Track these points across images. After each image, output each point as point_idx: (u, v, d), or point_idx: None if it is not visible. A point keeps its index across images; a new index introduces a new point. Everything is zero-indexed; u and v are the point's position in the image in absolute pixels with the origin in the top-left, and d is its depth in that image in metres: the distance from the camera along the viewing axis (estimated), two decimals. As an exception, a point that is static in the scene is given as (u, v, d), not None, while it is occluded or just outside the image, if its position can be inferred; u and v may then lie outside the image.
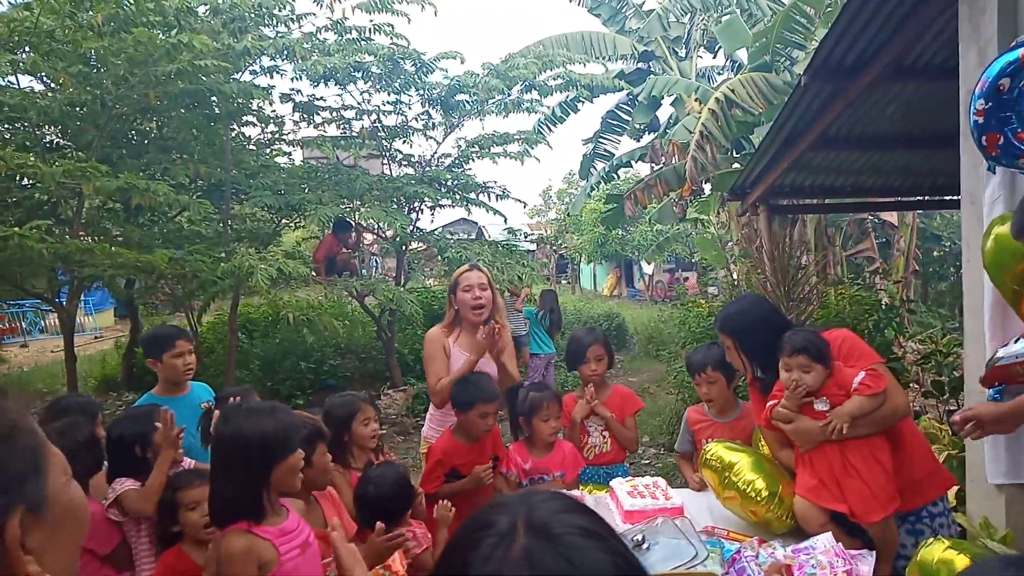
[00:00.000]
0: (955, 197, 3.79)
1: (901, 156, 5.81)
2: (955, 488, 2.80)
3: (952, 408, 4.62)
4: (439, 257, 9.62)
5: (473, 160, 9.75)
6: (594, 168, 12.35)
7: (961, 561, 1.75)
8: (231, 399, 2.96)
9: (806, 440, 2.44)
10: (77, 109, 7.05)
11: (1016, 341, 2.30)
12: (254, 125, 8.84)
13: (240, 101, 7.39)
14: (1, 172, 6.01)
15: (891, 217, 9.60)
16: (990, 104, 2.24)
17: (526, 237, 12.37)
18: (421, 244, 9.99)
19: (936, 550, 1.84)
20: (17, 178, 7.22)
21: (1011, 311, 2.39)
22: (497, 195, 9.42)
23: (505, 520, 0.76)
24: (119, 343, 11.94)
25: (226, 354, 8.31)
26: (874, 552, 2.17)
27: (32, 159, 5.91)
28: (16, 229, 5.59)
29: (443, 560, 0.79)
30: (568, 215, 24.73)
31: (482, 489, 3.12)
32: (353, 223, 9.26)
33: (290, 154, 9.50)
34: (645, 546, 2.47)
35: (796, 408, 2.44)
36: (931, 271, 8.99)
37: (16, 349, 15.51)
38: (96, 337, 16.43)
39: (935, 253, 9.83)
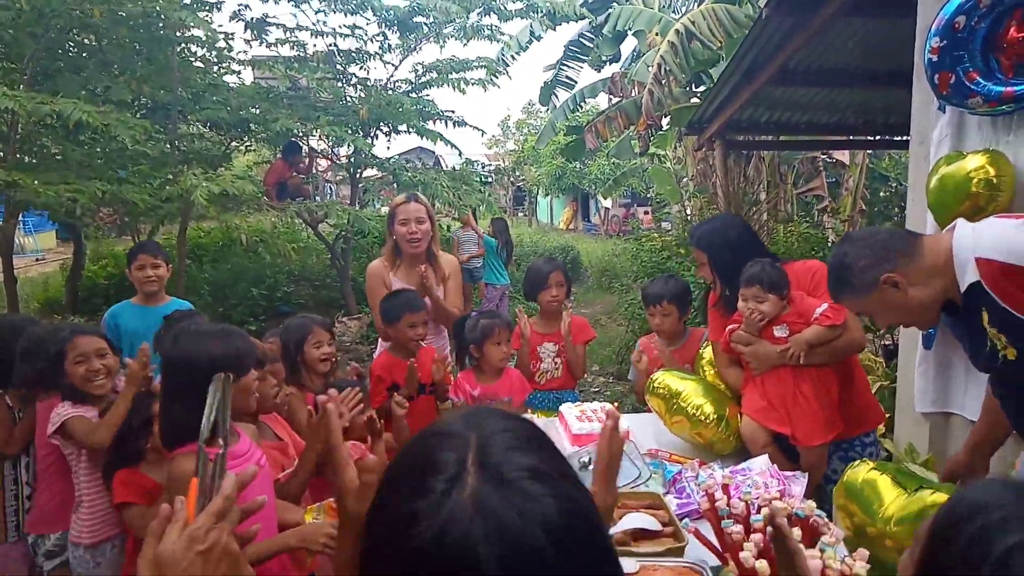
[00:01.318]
0: (905, 137, 3.85)
1: (857, 93, 5.85)
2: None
3: (887, 344, 4.83)
4: (395, 184, 9.46)
5: (431, 87, 9.52)
6: (555, 96, 12.14)
7: (883, 481, 1.86)
8: (177, 322, 2.94)
9: (762, 363, 2.54)
10: (12, 18, 6.58)
11: None
12: (201, 44, 8.41)
13: (185, 20, 6.97)
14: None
15: (843, 156, 9.75)
16: (944, 42, 2.26)
17: (483, 168, 12.17)
18: (376, 171, 9.79)
19: (861, 471, 1.96)
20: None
21: None
22: (455, 123, 9.24)
23: (453, 458, 0.73)
24: (64, 265, 11.55)
25: (176, 278, 8.12)
26: (807, 474, 2.30)
27: None
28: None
29: (387, 501, 0.76)
30: (525, 147, 24.48)
31: (428, 411, 3.20)
32: (304, 146, 9.00)
33: (239, 73, 9.07)
34: (591, 467, 2.56)
35: (755, 333, 2.54)
36: (876, 211, 9.22)
37: (-49, 271, 14.89)
38: (38, 259, 15.84)
39: (881, 193, 10.05)
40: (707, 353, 3.06)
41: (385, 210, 11.96)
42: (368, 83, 9.44)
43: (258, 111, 8.13)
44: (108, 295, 8.85)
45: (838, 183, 10.48)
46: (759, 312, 2.50)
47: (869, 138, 7.41)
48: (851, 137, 7.54)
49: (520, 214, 30.78)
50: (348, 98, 9.22)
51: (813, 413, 2.46)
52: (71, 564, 2.61)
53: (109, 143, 8.32)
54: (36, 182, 5.87)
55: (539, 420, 2.99)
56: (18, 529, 2.80)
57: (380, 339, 3.57)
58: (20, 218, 8.16)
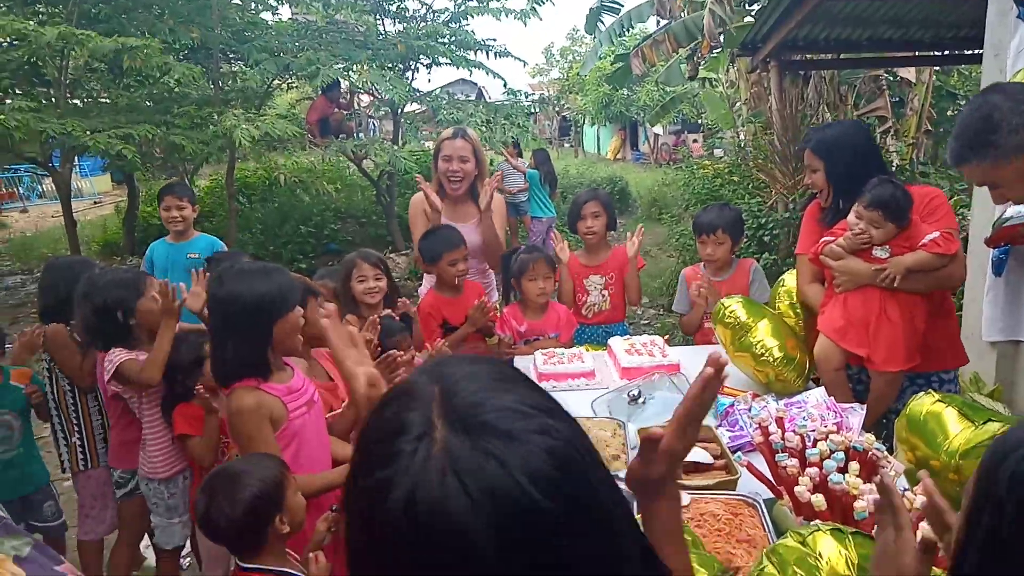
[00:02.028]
0: (978, 51, 3.57)
1: (924, 6, 5.45)
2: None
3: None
4: (435, 119, 9.34)
5: (472, 16, 9.24)
6: (601, 23, 11.67)
7: (949, 413, 1.79)
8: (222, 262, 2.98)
9: (851, 280, 2.41)
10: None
11: None
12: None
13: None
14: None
15: (908, 74, 9.16)
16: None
17: (527, 98, 11.86)
18: (418, 106, 9.66)
19: (925, 403, 1.88)
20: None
21: None
22: (496, 53, 8.98)
23: (418, 416, 0.67)
24: (119, 208, 11.87)
25: (227, 218, 8.27)
26: (864, 407, 2.22)
27: (29, 24, 5.63)
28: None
29: (359, 470, 0.70)
30: (570, 75, 23.77)
31: (481, 349, 3.19)
32: (345, 81, 8.91)
33: (276, 9, 8.95)
34: (641, 400, 2.54)
35: (852, 250, 2.41)
36: (943, 131, 8.71)
37: (16, 214, 15.49)
38: (95, 203, 16.34)
39: (949, 112, 9.45)
40: (788, 280, 2.94)
41: (427, 145, 11.91)
42: (406, 14, 9.23)
43: (300, 52, 8.02)
44: (163, 234, 9.09)
45: (902, 102, 9.90)
46: (868, 235, 2.36)
47: (936, 53, 6.94)
48: (917, 53, 7.07)
49: (566, 145, 30.20)
50: (386, 32, 9.03)
51: (896, 338, 2.34)
52: (148, 496, 2.76)
53: (154, 85, 8.41)
54: (87, 129, 5.98)
55: (588, 354, 2.97)
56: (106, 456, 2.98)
57: (424, 275, 3.56)
58: (75, 162, 8.37)
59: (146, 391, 2.64)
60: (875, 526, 0.98)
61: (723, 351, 2.73)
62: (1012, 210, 2.52)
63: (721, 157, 11.24)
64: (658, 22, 10.06)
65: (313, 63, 7.40)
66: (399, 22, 9.27)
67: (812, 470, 1.63)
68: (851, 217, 2.39)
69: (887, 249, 2.35)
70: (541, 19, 9.25)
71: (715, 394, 0.99)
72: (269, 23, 8.76)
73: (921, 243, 2.30)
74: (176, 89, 8.47)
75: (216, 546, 2.12)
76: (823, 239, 2.51)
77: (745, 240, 6.30)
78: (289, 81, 8.74)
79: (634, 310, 6.81)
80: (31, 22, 5.82)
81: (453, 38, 8.80)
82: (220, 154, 7.50)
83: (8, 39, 6.60)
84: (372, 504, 0.65)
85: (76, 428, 2.96)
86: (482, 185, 3.46)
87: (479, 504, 0.61)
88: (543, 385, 2.54)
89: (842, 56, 7.44)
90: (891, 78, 9.64)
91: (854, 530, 1.23)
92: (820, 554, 1.20)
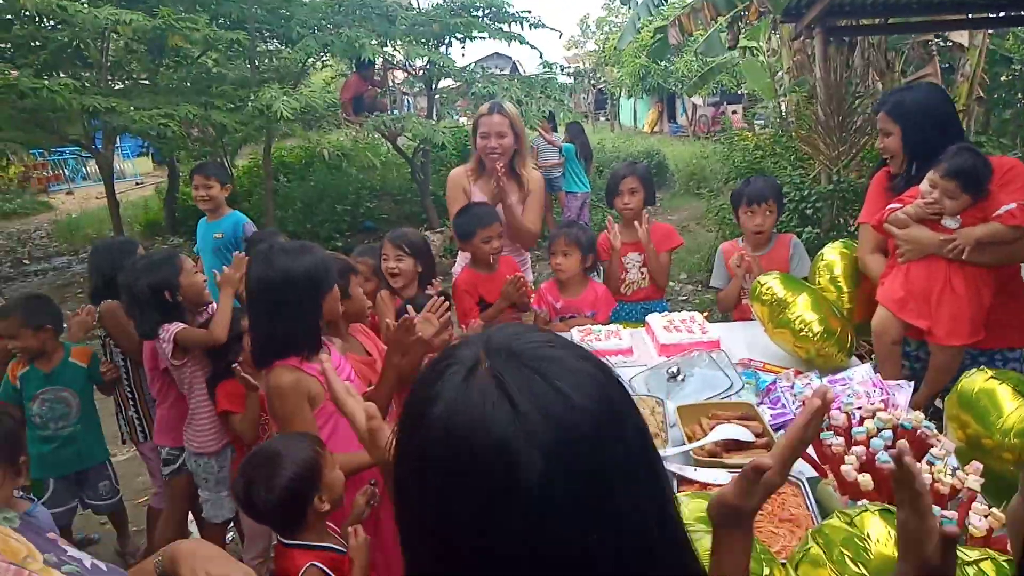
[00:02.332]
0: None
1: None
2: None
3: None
4: (470, 93, 9.27)
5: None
6: (640, -7, 11.42)
7: (1003, 390, 1.72)
8: (259, 242, 3.02)
9: (915, 250, 2.32)
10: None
11: None
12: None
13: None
14: (24, 12, 5.86)
15: (960, 38, 8.78)
16: None
17: (562, 71, 11.69)
18: (452, 81, 9.60)
19: (978, 380, 1.81)
20: (38, 19, 7.02)
21: None
22: (531, 24, 8.85)
23: (466, 351, 0.70)
24: (159, 189, 12.11)
25: (265, 197, 8.37)
26: (912, 383, 2.15)
27: (76, 4, 5.74)
28: (45, 83, 5.53)
29: (410, 399, 0.73)
30: (606, 47, 23.38)
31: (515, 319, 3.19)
32: (378, 59, 8.89)
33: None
34: (680, 377, 2.50)
35: (919, 219, 2.32)
36: (996, 97, 8.35)
37: (63, 196, 15.91)
38: (137, 184, 16.68)
39: (1003, 78, 9.05)
40: (828, 254, 2.86)
41: (462, 121, 11.86)
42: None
43: (335, 28, 8.01)
44: (201, 214, 9.28)
45: (952, 68, 9.51)
46: (941, 206, 2.27)
47: (991, 15, 6.64)
48: (970, 15, 6.77)
49: (602, 118, 29.82)
50: (419, 7, 8.97)
51: (960, 311, 2.25)
52: (196, 472, 2.83)
53: (192, 66, 8.51)
54: (131, 108, 6.09)
55: (626, 331, 2.94)
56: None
57: (459, 252, 3.55)
58: (118, 143, 8.54)
59: (193, 367, 2.70)
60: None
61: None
62: None
63: (762, 128, 10.97)
64: (696, -10, 9.79)
65: (355, 39, 7.39)
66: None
67: (858, 449, 1.58)
68: (924, 185, 2.30)
69: (958, 219, 2.25)
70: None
71: (819, 428, 0.97)
72: (305, 0, 8.77)
73: (996, 214, 2.20)
74: (215, 69, 8.55)
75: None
76: (889, 206, 2.42)
77: (787, 213, 6.16)
78: (323, 60, 8.75)
79: (672, 286, 6.74)
80: (76, 2, 5.91)
81: (488, 10, 8.70)
82: (258, 134, 7.56)
83: (52, 22, 6.73)
84: (415, 423, 0.68)
85: (132, 403, 3.05)
86: (521, 161, 3.41)
87: (524, 415, 0.62)
88: (668, 360, 2.54)
89: (890, 21, 7.16)
90: (941, 43, 9.26)
91: (904, 511, 1.18)
92: (868, 535, 1.16)
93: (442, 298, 2.31)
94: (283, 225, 8.28)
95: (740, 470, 1.75)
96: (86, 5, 5.97)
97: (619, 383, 0.70)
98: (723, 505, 0.94)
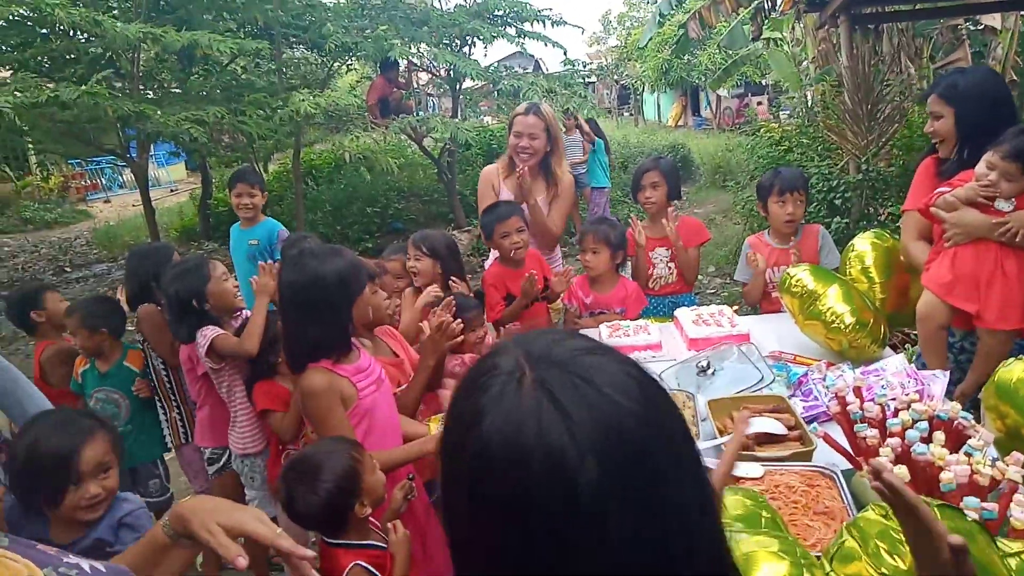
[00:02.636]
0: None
1: (1012, -56, 5.10)
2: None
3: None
4: (494, 92, 9.30)
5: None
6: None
7: (1044, 379, 1.70)
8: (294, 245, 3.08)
9: (964, 233, 2.29)
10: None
11: None
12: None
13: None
14: (60, 27, 6.02)
15: (992, 20, 8.57)
16: None
17: (585, 67, 11.66)
18: (476, 80, 9.64)
19: (1016, 369, 1.78)
20: (72, 33, 7.21)
21: None
22: (553, 22, 8.85)
23: (506, 360, 0.70)
24: (193, 195, 12.33)
25: (295, 201, 8.49)
26: (947, 372, 2.13)
27: (108, 18, 5.90)
28: (84, 88, 5.67)
29: (453, 411, 0.73)
30: (628, 42, 23.23)
31: (540, 315, 3.21)
32: (403, 61, 8.96)
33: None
34: (710, 371, 2.51)
35: (969, 202, 2.29)
36: (1031, 81, 8.13)
37: (100, 204, 16.28)
38: (172, 191, 17.01)
39: (1037, 61, 8.82)
40: (859, 244, 2.85)
41: (487, 120, 11.89)
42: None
43: (358, 31, 8.09)
44: (234, 219, 9.46)
45: (983, 53, 9.29)
46: (997, 188, 2.23)
47: (1025, -4, 6.49)
48: (1001, -3, 6.63)
49: (626, 113, 29.65)
50: (442, 9, 9.01)
51: (1011, 295, 2.22)
52: (243, 473, 2.89)
53: (221, 74, 8.66)
54: (157, 112, 6.22)
55: (655, 326, 2.94)
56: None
57: (491, 250, 3.59)
58: (152, 151, 8.72)
59: (231, 370, 2.75)
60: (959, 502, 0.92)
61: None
62: None
63: (788, 119, 10.83)
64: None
65: (382, 39, 7.47)
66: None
67: (894, 440, 1.58)
68: (980, 167, 2.26)
69: (1012, 202, 2.22)
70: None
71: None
72: (328, 4, 8.87)
73: None
74: (244, 76, 8.68)
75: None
76: (938, 190, 2.39)
77: (815, 204, 6.09)
78: (348, 64, 8.85)
79: (701, 280, 6.70)
80: (108, 16, 6.06)
81: (510, 11, 8.72)
82: (288, 140, 7.67)
83: (86, 35, 6.90)
84: (466, 437, 0.67)
85: (175, 404, 3.13)
86: (556, 160, 3.48)
87: (578, 423, 0.63)
88: (699, 354, 2.55)
89: (917, 6, 7.02)
90: (972, 27, 9.05)
91: (940, 503, 1.18)
92: (904, 526, 1.16)
93: (452, 299, 2.37)
94: (313, 228, 8.39)
95: (780, 464, 1.77)
96: (117, 20, 6.11)
97: (657, 382, 0.72)
98: None
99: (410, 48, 8.25)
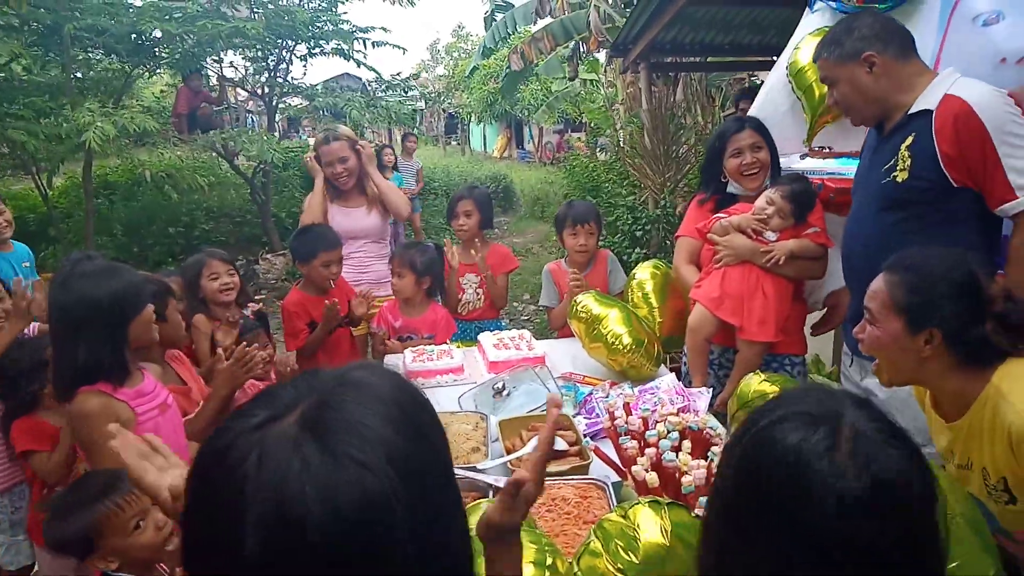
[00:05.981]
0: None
1: (779, 12, 5.84)
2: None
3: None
4: (318, 111, 9.09)
5: (345, 2, 9.02)
6: (494, 20, 11.78)
7: (772, 391, 1.94)
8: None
9: (733, 255, 2.59)
10: None
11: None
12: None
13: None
14: None
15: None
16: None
17: (413, 79, 11.75)
18: (295, 99, 9.37)
19: (753, 382, 2.03)
20: None
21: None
22: (372, 43, 8.78)
23: (289, 396, 0.68)
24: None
25: (84, 220, 7.70)
26: (711, 389, 2.38)
27: None
28: None
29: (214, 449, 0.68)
30: (456, 72, 23.72)
31: (346, 344, 3.17)
32: (213, 73, 8.50)
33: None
34: (505, 392, 2.59)
35: (742, 229, 2.59)
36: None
37: None
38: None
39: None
40: (639, 273, 3.11)
41: (311, 141, 11.55)
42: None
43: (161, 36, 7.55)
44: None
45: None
46: (769, 223, 2.56)
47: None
48: (774, 57, 7.56)
49: (453, 142, 30.17)
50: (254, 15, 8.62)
51: (769, 312, 2.54)
52: None
53: (-4, 73, 7.69)
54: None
55: (459, 350, 3.00)
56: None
57: None
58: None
59: None
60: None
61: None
62: (810, 163, 2.79)
63: (603, 154, 11.58)
64: (535, 20, 10.26)
65: (173, 48, 6.97)
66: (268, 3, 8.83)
67: (651, 450, 1.73)
68: (760, 201, 2.59)
69: (776, 234, 2.56)
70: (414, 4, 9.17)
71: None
72: (129, 5, 8.15)
73: (806, 232, 2.55)
74: (25, 77, 7.76)
75: (57, 561, 2.03)
76: (716, 215, 2.70)
77: (620, 235, 6.55)
78: (152, 68, 8.21)
79: (516, 306, 6.93)
80: None
81: (325, 27, 8.51)
82: (73, 154, 6.94)
83: None
84: (219, 458, 0.65)
85: None
86: (369, 167, 3.62)
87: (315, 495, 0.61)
88: (496, 376, 2.58)
89: (709, 59, 7.83)
90: (756, 81, 10.26)
91: (669, 500, 1.31)
92: (638, 525, 1.28)
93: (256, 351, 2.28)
94: (104, 250, 7.64)
95: (559, 478, 1.86)
96: None
97: (427, 410, 0.74)
98: (491, 525, 0.99)
99: (220, 59, 7.82)
